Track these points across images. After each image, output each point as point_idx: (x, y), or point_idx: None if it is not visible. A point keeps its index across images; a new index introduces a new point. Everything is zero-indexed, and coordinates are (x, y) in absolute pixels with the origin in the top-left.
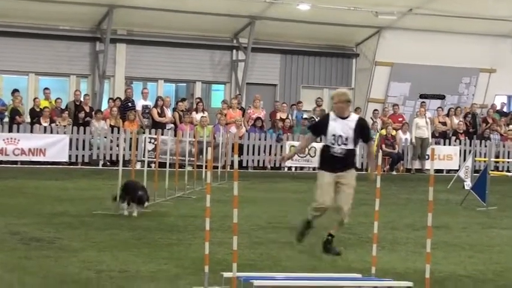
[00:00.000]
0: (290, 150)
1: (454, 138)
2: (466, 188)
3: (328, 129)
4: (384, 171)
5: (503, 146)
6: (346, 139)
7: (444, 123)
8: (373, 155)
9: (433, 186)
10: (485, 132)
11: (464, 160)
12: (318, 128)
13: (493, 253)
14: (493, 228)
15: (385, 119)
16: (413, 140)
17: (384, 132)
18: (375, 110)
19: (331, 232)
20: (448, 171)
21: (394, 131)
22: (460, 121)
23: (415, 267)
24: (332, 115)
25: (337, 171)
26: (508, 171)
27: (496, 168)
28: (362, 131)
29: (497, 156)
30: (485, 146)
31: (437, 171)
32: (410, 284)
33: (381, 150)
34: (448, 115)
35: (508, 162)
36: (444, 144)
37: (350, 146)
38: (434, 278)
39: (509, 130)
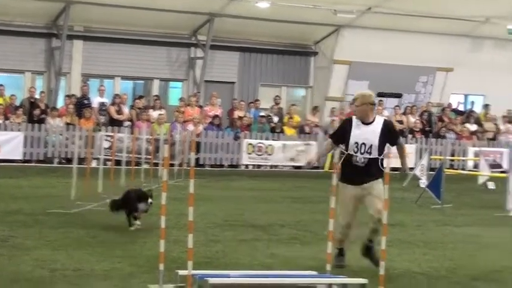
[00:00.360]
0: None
1: (410, 136)
2: (422, 186)
3: (350, 136)
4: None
5: (459, 145)
6: (370, 147)
7: (401, 122)
8: (405, 155)
9: (389, 184)
10: (441, 130)
11: (420, 158)
12: (339, 135)
13: (447, 250)
14: (448, 225)
15: (343, 117)
16: None
17: None
18: (333, 108)
19: (370, 238)
20: None
21: None
22: (417, 120)
23: (370, 265)
24: (355, 120)
25: (361, 183)
26: (463, 169)
27: (452, 167)
28: (388, 135)
29: (452, 155)
30: (441, 145)
31: (393, 169)
32: (365, 281)
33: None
34: (404, 113)
35: (463, 160)
36: None
37: (374, 155)
38: (389, 275)
39: (464, 128)
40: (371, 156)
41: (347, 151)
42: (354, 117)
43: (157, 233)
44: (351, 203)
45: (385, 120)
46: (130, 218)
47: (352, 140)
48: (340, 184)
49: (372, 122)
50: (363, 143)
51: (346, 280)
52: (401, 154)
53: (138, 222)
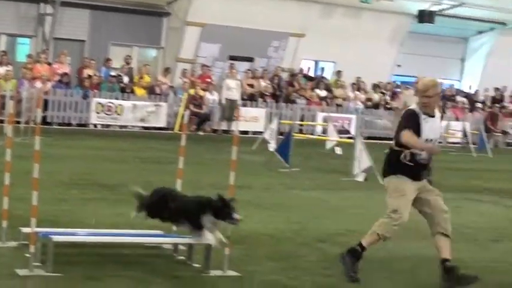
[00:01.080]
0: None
1: (260, 100)
2: (271, 149)
3: (421, 133)
4: (190, 131)
5: (308, 110)
6: (435, 143)
7: (252, 86)
8: None
9: (238, 147)
10: (291, 95)
11: (270, 122)
12: (414, 128)
13: (293, 213)
14: (295, 189)
15: (194, 79)
16: (223, 101)
17: (192, 92)
18: (184, 69)
19: (447, 257)
20: (254, 133)
21: (202, 91)
22: (268, 84)
23: None
24: (420, 113)
25: (421, 179)
26: (311, 134)
27: (301, 131)
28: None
29: (302, 120)
30: (291, 110)
31: (243, 132)
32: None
33: (188, 110)
34: (256, 78)
35: (312, 125)
36: (251, 107)
37: None
38: (235, 236)
39: (314, 94)
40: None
41: (411, 150)
42: (416, 109)
43: (0, 190)
44: (411, 198)
45: (439, 112)
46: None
47: (423, 138)
48: (398, 177)
49: (435, 114)
50: (431, 139)
51: (192, 240)
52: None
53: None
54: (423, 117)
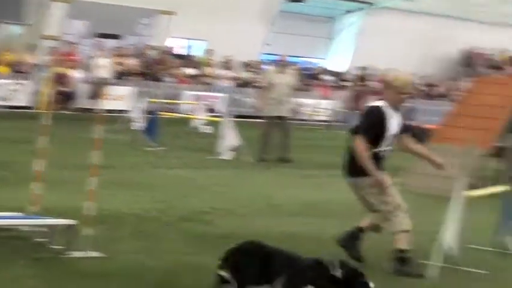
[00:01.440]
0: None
1: (128, 78)
2: (137, 128)
3: (387, 129)
4: (54, 109)
5: (177, 89)
6: (395, 137)
7: (120, 64)
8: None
9: (104, 125)
10: (160, 74)
11: (137, 101)
12: (376, 129)
13: (159, 192)
14: (160, 168)
15: (59, 57)
16: (94, 80)
17: (57, 70)
18: (50, 47)
19: (363, 226)
20: (121, 111)
21: (68, 69)
22: (136, 62)
23: (79, 206)
24: (387, 109)
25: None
26: (179, 113)
27: (168, 110)
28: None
29: (169, 98)
30: (159, 88)
31: (110, 111)
32: (73, 222)
33: (53, 88)
34: (124, 56)
35: (180, 104)
36: (118, 85)
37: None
38: (99, 216)
39: (182, 72)
40: (391, 148)
41: (377, 146)
42: (383, 105)
43: None
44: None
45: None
46: None
47: (389, 134)
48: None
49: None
50: (395, 134)
51: (53, 221)
52: (423, 149)
53: None
54: (390, 113)
